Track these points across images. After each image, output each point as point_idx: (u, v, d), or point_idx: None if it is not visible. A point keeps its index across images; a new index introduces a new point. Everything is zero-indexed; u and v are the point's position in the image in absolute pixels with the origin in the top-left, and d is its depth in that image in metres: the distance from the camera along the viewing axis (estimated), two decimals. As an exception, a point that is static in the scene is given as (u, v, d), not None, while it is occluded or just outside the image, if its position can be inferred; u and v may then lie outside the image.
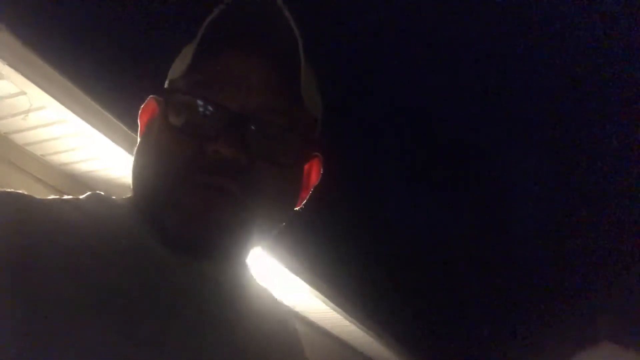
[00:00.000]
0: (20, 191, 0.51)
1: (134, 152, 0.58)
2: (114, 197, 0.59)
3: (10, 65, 1.88)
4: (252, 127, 0.52)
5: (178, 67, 0.57)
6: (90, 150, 2.38)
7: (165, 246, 0.52)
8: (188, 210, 0.51)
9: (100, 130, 2.21)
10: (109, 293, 0.45)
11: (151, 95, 0.61)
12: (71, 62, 2.15)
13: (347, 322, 4.86)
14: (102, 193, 0.58)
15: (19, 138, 2.29)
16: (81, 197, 0.56)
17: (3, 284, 0.42)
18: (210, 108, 0.52)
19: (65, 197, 0.56)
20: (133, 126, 2.34)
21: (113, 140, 2.26)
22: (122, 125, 2.27)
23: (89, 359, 0.41)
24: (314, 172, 0.63)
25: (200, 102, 0.53)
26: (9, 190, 0.51)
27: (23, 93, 2.02)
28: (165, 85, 0.59)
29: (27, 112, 2.06)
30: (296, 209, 0.62)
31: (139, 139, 0.60)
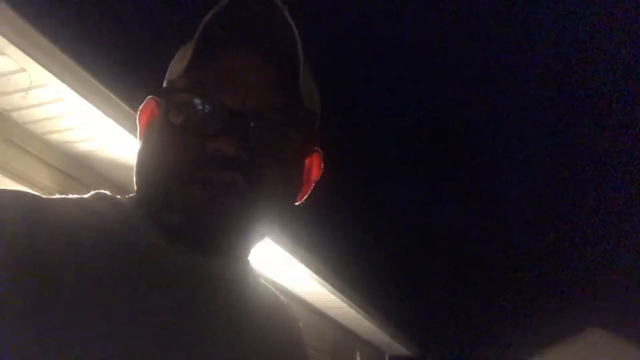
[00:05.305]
0: (26, 190, 0.52)
1: (137, 153, 0.58)
2: (118, 197, 0.59)
3: (10, 41, 1.85)
4: (252, 124, 0.53)
5: (176, 68, 0.57)
6: (91, 129, 2.35)
7: (169, 243, 0.53)
8: (193, 206, 0.51)
9: (101, 110, 2.18)
10: (116, 289, 0.46)
11: (150, 96, 0.61)
12: (73, 39, 2.11)
13: (344, 304, 4.92)
14: (107, 192, 0.58)
15: (18, 116, 2.26)
16: (85, 196, 0.57)
17: (14, 285, 0.42)
18: (210, 106, 0.53)
19: (70, 196, 0.56)
20: (135, 106, 2.32)
21: (114, 120, 2.24)
22: (123, 104, 2.24)
23: (101, 353, 0.42)
24: (314, 167, 0.64)
25: (200, 101, 0.53)
26: (16, 190, 0.51)
27: (23, 70, 1.98)
28: (164, 86, 0.59)
29: (27, 89, 2.03)
30: (297, 203, 0.63)
31: (138, 140, 0.60)
